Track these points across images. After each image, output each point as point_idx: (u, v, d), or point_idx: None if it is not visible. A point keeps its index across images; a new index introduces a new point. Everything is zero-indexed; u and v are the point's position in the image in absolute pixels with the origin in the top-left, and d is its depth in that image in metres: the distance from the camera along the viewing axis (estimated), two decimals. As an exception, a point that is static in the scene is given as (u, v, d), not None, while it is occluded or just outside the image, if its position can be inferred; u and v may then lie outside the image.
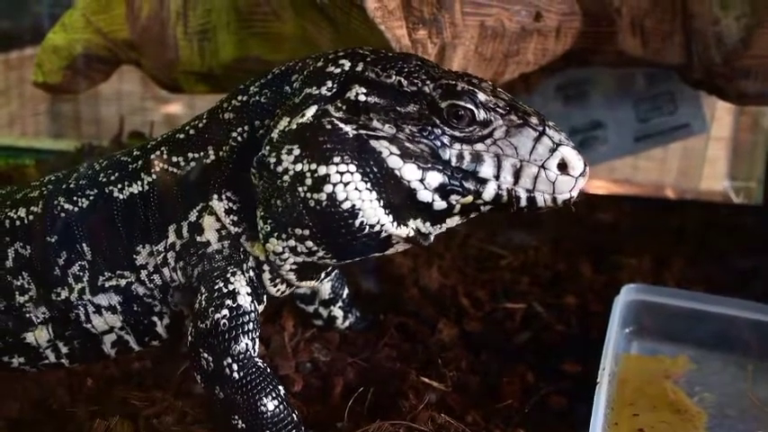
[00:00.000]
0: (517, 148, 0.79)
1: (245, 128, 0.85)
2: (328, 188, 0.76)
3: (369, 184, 0.77)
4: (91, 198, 0.89)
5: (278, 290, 0.89)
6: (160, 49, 1.37)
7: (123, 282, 0.88)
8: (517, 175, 0.78)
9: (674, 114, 1.54)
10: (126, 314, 0.89)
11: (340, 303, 1.14)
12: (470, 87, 0.79)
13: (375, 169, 0.77)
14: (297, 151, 0.78)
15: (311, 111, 0.79)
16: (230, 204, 0.85)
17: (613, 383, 0.98)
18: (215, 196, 0.85)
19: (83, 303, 0.89)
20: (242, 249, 0.86)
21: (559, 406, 0.99)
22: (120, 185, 0.89)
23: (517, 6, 1.12)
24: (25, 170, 1.72)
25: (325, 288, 1.12)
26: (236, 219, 0.85)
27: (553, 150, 0.78)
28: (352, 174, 0.76)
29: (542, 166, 0.78)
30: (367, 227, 0.78)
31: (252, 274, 0.86)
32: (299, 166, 0.77)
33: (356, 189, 0.77)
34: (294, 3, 1.16)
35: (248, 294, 0.83)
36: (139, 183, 0.89)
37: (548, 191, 0.79)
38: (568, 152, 0.78)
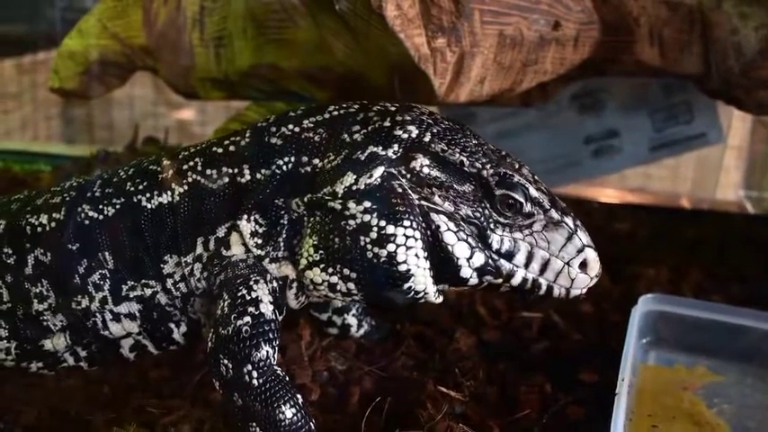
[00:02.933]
0: (550, 243, 0.85)
1: (292, 159, 0.86)
2: (391, 247, 0.80)
3: (426, 253, 0.81)
4: (117, 206, 0.89)
5: (298, 302, 0.89)
6: (176, 56, 1.37)
7: (149, 291, 0.88)
8: (544, 267, 0.85)
9: (691, 124, 1.54)
10: (144, 321, 0.89)
11: (353, 311, 1.13)
12: (525, 181, 0.84)
13: (431, 240, 0.81)
14: (367, 204, 0.80)
15: (378, 171, 0.81)
16: (257, 227, 0.85)
17: (632, 394, 0.98)
18: (244, 217, 0.86)
19: (102, 312, 0.88)
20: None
21: (577, 416, 0.98)
22: (148, 194, 0.89)
23: (536, 15, 1.12)
24: (41, 176, 1.72)
25: None
26: (259, 242, 0.85)
27: (580, 251, 0.85)
28: (416, 240, 0.80)
29: (567, 263, 0.85)
30: (413, 291, 0.83)
31: (275, 284, 0.86)
32: (366, 218, 0.80)
33: (416, 255, 0.81)
34: (312, 10, 1.16)
35: (270, 303, 0.83)
36: (169, 193, 0.88)
37: (565, 285, 0.86)
38: (592, 255, 0.86)
